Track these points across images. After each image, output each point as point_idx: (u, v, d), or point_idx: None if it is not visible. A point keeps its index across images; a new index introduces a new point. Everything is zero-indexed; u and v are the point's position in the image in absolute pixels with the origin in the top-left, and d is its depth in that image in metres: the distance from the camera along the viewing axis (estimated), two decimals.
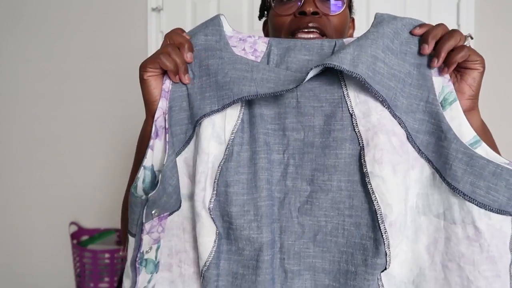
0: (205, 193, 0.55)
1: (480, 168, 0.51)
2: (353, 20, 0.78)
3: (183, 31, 0.60)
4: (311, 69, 0.52)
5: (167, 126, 0.58)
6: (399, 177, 0.52)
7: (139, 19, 1.75)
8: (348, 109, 0.55)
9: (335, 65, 0.51)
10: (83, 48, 1.80)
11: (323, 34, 0.67)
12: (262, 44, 0.62)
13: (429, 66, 0.55)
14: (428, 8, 1.62)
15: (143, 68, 0.59)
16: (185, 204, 0.60)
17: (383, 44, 0.55)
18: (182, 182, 0.60)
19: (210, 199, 0.55)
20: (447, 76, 0.56)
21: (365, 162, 0.52)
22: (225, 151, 0.56)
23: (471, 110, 0.57)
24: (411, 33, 0.57)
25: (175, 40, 0.58)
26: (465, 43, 0.55)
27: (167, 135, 0.57)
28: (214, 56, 0.58)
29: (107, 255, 1.61)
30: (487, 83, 1.58)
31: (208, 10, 1.72)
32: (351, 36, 0.77)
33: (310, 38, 0.66)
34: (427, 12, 1.62)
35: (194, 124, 0.58)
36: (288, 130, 0.57)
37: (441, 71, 0.55)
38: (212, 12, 1.72)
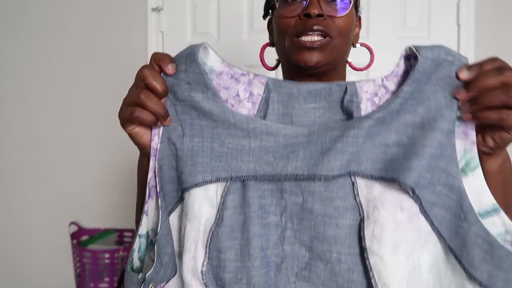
0: (195, 260, 0.53)
1: (500, 259, 0.47)
2: (359, 18, 0.76)
3: (159, 67, 0.55)
4: (314, 177, 0.49)
5: (158, 190, 0.54)
6: (400, 257, 0.48)
7: (139, 19, 1.75)
8: (350, 176, 0.51)
9: (341, 175, 0.49)
10: (83, 48, 1.80)
11: (327, 36, 0.65)
12: (258, 85, 0.56)
13: (454, 94, 0.50)
14: (428, 8, 1.62)
15: (122, 123, 0.56)
16: (178, 262, 0.56)
17: (402, 122, 0.50)
18: (175, 239, 0.57)
19: (203, 262, 0.53)
20: (471, 137, 0.50)
21: (364, 235, 0.49)
22: (216, 214, 0.53)
23: (490, 156, 0.52)
24: (456, 76, 0.50)
25: (149, 84, 0.53)
26: None
27: (159, 199, 0.54)
28: (206, 117, 0.53)
29: (107, 255, 1.61)
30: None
31: (208, 10, 1.72)
32: (357, 35, 0.75)
33: (314, 42, 0.64)
34: (427, 12, 1.62)
35: (182, 189, 0.54)
36: (286, 192, 0.53)
37: (464, 117, 0.49)
38: (212, 12, 1.72)
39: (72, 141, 1.82)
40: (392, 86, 0.55)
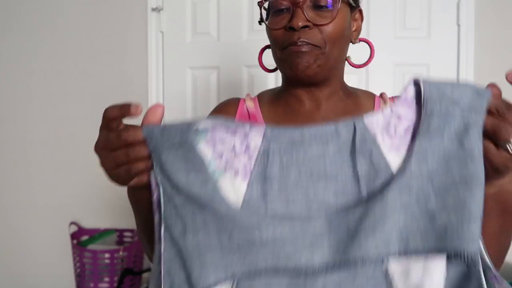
0: None
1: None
2: (360, 11, 0.73)
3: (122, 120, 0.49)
4: (347, 262, 0.43)
5: None
6: None
7: (139, 19, 1.75)
8: (386, 278, 0.45)
9: (380, 254, 0.42)
10: (83, 48, 1.80)
11: (316, 46, 0.63)
12: (256, 137, 0.50)
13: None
14: (428, 8, 1.62)
15: (121, 184, 0.52)
16: None
17: (439, 184, 0.44)
18: None
19: None
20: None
21: None
22: None
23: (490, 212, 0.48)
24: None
25: (127, 139, 0.48)
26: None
27: None
28: (207, 208, 0.47)
29: (107, 255, 1.61)
30: (487, 83, 1.59)
31: (208, 10, 1.72)
32: (357, 30, 0.72)
33: (302, 52, 0.62)
34: (427, 12, 1.62)
35: None
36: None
37: None
38: (212, 12, 1.72)
39: (72, 141, 1.82)
40: (403, 111, 0.50)
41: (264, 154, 0.50)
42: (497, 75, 1.81)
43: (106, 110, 0.48)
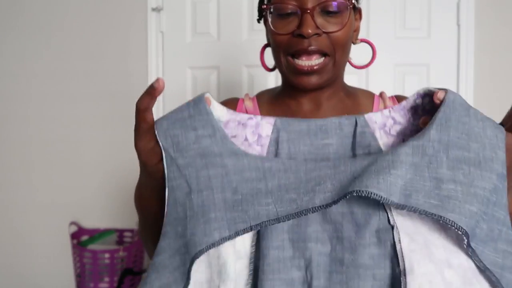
0: None
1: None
2: (360, 11, 0.72)
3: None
4: (346, 194, 0.42)
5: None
6: None
7: (139, 19, 1.75)
8: (388, 219, 0.45)
9: (381, 196, 0.41)
10: (83, 48, 1.80)
11: (325, 55, 0.62)
12: (266, 126, 0.53)
13: None
14: (428, 8, 1.62)
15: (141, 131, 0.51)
16: None
17: (454, 156, 0.44)
18: None
19: None
20: None
21: None
22: (249, 270, 0.47)
23: None
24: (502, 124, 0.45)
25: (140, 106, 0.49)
26: None
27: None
28: (214, 164, 0.47)
29: (107, 255, 1.61)
30: (487, 83, 1.59)
31: (208, 10, 1.72)
32: (357, 30, 0.71)
33: (312, 66, 0.62)
34: (427, 12, 1.62)
35: (195, 254, 0.46)
36: (310, 240, 0.46)
37: None
38: (212, 12, 1.72)
39: (72, 141, 1.82)
40: (399, 118, 0.53)
41: (274, 143, 0.52)
42: (497, 75, 1.83)
43: (137, 102, 0.49)
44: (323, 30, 0.61)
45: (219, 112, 0.53)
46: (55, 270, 1.84)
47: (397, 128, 0.53)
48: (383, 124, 0.53)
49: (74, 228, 1.78)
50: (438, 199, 0.42)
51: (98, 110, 1.80)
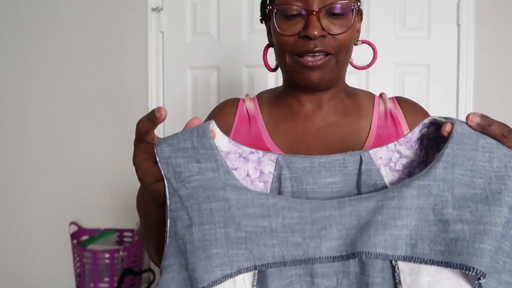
0: None
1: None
2: (361, 12, 0.73)
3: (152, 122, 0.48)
4: (355, 255, 0.42)
5: None
6: None
7: (139, 19, 1.75)
8: (390, 260, 0.44)
9: (388, 255, 0.42)
10: (83, 48, 1.80)
11: (329, 55, 0.63)
12: (269, 163, 0.52)
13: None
14: (428, 8, 1.62)
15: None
16: None
17: (459, 195, 0.43)
18: None
19: None
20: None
21: None
22: None
23: None
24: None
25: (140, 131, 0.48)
26: None
27: None
28: (217, 197, 0.46)
29: (107, 255, 1.61)
30: (487, 83, 1.59)
31: (208, 10, 1.72)
32: (359, 32, 0.72)
33: (317, 60, 0.63)
34: (427, 12, 1.62)
35: None
36: (317, 276, 0.46)
37: None
38: (212, 12, 1.72)
39: (72, 141, 1.82)
40: (405, 151, 0.52)
41: (277, 180, 0.51)
42: (497, 75, 1.83)
43: (138, 124, 0.48)
44: (329, 31, 0.62)
45: (221, 142, 0.51)
46: (55, 270, 1.84)
47: (403, 161, 0.52)
48: (389, 159, 0.52)
49: (74, 228, 1.78)
50: (444, 243, 0.42)
51: (98, 110, 1.80)
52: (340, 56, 0.65)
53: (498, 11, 1.59)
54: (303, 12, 0.62)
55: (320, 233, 0.45)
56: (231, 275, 0.44)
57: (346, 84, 0.75)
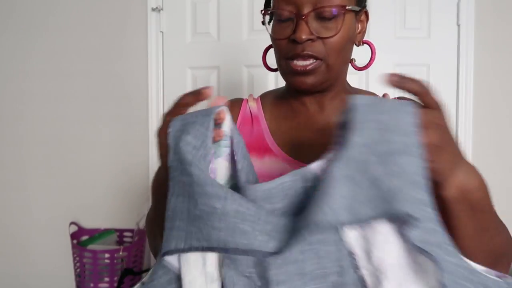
0: None
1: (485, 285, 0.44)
2: (366, 12, 0.71)
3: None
4: (298, 239, 0.43)
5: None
6: None
7: (139, 19, 1.75)
8: (345, 245, 0.45)
9: (330, 223, 0.42)
10: (83, 48, 1.80)
11: (318, 59, 0.63)
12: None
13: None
14: (428, 8, 1.62)
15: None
16: None
17: (381, 152, 0.44)
18: None
19: None
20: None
21: None
22: None
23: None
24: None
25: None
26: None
27: None
28: (185, 171, 0.47)
29: (107, 255, 1.61)
30: (487, 83, 1.59)
31: (208, 10, 1.72)
32: (362, 32, 0.71)
33: (305, 66, 0.63)
34: (427, 12, 1.62)
35: (159, 259, 0.47)
36: (272, 284, 0.44)
37: None
38: (212, 12, 1.72)
39: (72, 141, 1.82)
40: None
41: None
42: (497, 75, 1.83)
43: (181, 97, 0.51)
44: (317, 35, 0.62)
45: (227, 127, 0.51)
46: (55, 270, 1.84)
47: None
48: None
49: (74, 228, 1.78)
50: (381, 196, 0.43)
51: (98, 110, 1.80)
52: (329, 60, 0.64)
53: (498, 11, 1.59)
54: (294, 16, 0.62)
55: (270, 233, 0.44)
56: (183, 250, 0.45)
57: (348, 84, 0.74)
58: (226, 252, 0.44)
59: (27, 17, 1.83)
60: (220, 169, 0.52)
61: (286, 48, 0.64)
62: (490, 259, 0.54)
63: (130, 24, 1.76)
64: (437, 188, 0.48)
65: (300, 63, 0.63)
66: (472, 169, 0.51)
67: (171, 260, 0.48)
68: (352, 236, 0.45)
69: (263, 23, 0.75)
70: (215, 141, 0.50)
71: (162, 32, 1.75)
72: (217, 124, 0.50)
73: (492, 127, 1.60)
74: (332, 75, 0.67)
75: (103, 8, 1.78)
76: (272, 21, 0.67)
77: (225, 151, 0.52)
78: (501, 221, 0.57)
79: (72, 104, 1.82)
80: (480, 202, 0.52)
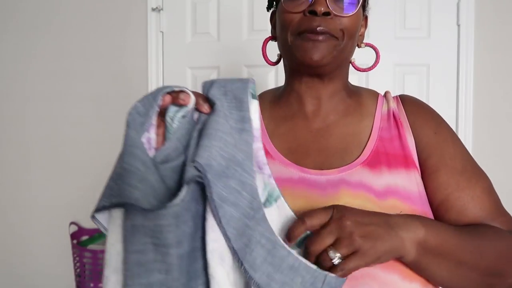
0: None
1: (280, 259, 0.47)
2: (366, 18, 0.74)
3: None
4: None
5: None
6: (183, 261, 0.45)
7: (139, 19, 1.75)
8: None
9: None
10: (83, 48, 1.80)
11: (334, 37, 0.63)
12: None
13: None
14: (428, 8, 1.62)
15: None
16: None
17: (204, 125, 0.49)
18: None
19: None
20: (266, 171, 0.52)
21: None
22: None
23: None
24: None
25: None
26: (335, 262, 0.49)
27: None
28: (125, 132, 0.49)
29: None
30: (487, 83, 1.59)
31: (208, 10, 1.72)
32: (362, 35, 0.73)
33: (319, 40, 0.62)
34: (427, 12, 1.62)
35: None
36: (170, 247, 0.45)
37: None
38: (212, 12, 1.72)
39: (72, 141, 1.82)
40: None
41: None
42: (497, 75, 1.83)
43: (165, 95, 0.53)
44: (334, 12, 0.62)
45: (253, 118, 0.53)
46: (55, 270, 1.84)
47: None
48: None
49: (74, 228, 1.78)
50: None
51: (98, 110, 1.80)
52: (344, 41, 0.64)
53: (498, 11, 1.59)
54: None
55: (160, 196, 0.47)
56: (107, 207, 0.47)
57: (349, 82, 0.74)
58: (135, 210, 0.45)
59: (27, 17, 1.83)
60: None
61: (298, 22, 0.63)
62: (486, 281, 0.57)
63: (130, 24, 1.76)
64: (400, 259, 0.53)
65: (313, 37, 0.62)
66: (409, 224, 0.53)
67: (101, 219, 0.50)
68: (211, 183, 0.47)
69: (268, 9, 0.75)
70: (178, 103, 0.50)
71: (162, 32, 1.75)
72: (181, 105, 0.51)
73: (492, 127, 1.60)
74: (341, 58, 0.66)
75: (103, 8, 1.78)
76: (281, 0, 0.66)
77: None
78: (476, 238, 0.58)
79: (72, 104, 1.82)
80: (443, 244, 0.54)
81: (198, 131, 0.50)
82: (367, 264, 0.50)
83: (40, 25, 1.82)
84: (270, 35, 0.76)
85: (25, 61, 1.84)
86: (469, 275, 0.56)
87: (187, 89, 0.51)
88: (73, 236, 1.73)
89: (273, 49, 0.75)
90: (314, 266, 0.48)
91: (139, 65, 1.75)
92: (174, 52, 1.75)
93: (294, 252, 0.49)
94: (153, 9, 1.73)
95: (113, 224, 0.48)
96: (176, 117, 0.50)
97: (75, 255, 1.66)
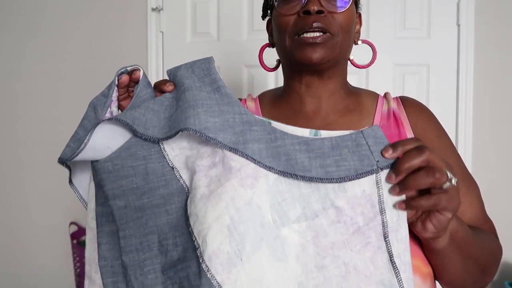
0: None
1: (320, 148, 0.50)
2: (359, 15, 0.75)
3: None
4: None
5: None
6: (218, 208, 0.47)
7: (139, 19, 1.75)
8: (168, 163, 0.52)
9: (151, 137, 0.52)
10: (83, 48, 1.80)
11: (328, 33, 0.64)
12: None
13: (386, 179, 0.48)
14: (428, 8, 1.62)
15: None
16: None
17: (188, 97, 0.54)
18: None
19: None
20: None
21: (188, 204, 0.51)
22: None
23: (435, 240, 0.52)
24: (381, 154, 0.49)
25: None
26: (444, 186, 0.46)
27: None
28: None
29: None
30: (487, 83, 1.59)
31: (208, 10, 1.72)
32: (358, 32, 0.74)
33: (316, 37, 0.63)
34: (427, 12, 1.62)
35: None
36: (111, 199, 0.52)
37: (392, 191, 0.48)
38: (212, 12, 1.72)
39: None
40: None
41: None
42: (497, 75, 1.82)
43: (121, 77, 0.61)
44: (327, 9, 0.64)
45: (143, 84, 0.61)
46: (55, 270, 1.84)
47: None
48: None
49: (74, 228, 1.78)
50: (168, 124, 0.52)
51: None
52: (340, 36, 0.65)
53: (498, 11, 1.59)
54: None
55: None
56: (69, 158, 0.57)
57: (348, 83, 0.74)
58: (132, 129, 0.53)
59: (27, 17, 1.83)
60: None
61: (294, 23, 0.65)
62: (476, 276, 0.58)
63: (130, 24, 1.76)
64: (428, 244, 0.53)
65: (310, 35, 0.64)
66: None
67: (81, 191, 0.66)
68: (169, 152, 0.53)
69: (263, 18, 0.75)
70: (134, 80, 0.60)
71: (162, 32, 1.75)
72: (134, 81, 0.60)
73: (492, 127, 1.60)
74: (339, 54, 0.67)
75: (103, 8, 1.78)
76: (275, 2, 0.68)
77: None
78: (479, 237, 0.60)
79: (71, 104, 1.82)
80: (465, 237, 0.55)
81: (176, 108, 0.54)
82: (447, 210, 0.47)
83: (40, 25, 1.82)
84: (268, 41, 0.77)
85: (24, 61, 1.84)
86: (471, 269, 0.58)
87: (139, 66, 0.60)
88: (73, 236, 1.73)
89: (270, 55, 0.76)
90: (346, 132, 0.51)
91: (139, 65, 1.75)
92: (174, 52, 1.75)
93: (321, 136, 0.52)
94: (153, 9, 1.73)
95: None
96: (136, 89, 0.59)
97: (75, 255, 1.66)
